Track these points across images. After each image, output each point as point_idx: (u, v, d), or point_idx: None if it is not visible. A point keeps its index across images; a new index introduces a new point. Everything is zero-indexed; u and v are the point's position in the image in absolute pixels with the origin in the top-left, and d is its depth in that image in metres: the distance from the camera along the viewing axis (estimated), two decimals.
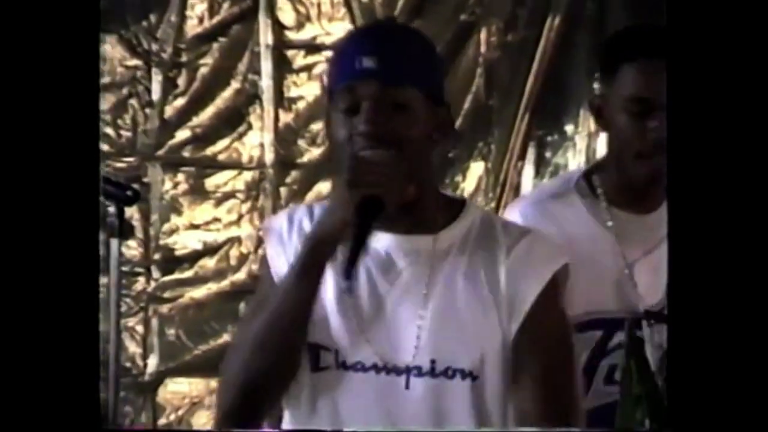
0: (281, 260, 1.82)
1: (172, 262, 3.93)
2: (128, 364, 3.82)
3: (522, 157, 3.96)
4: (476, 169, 3.97)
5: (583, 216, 2.14)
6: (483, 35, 3.89)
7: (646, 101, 2.07)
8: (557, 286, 1.68)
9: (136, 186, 3.26)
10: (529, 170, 3.91)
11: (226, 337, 3.83)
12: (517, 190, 3.87)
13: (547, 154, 4.04)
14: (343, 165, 1.72)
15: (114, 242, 3.15)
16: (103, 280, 3.89)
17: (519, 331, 1.72)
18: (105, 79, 3.87)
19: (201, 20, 3.90)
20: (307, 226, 1.80)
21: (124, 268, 3.36)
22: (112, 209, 3.04)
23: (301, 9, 3.89)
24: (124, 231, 3.06)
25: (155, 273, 3.90)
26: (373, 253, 1.78)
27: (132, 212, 3.48)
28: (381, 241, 1.82)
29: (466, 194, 3.98)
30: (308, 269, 1.74)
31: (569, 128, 4.03)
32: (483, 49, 3.93)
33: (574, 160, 3.99)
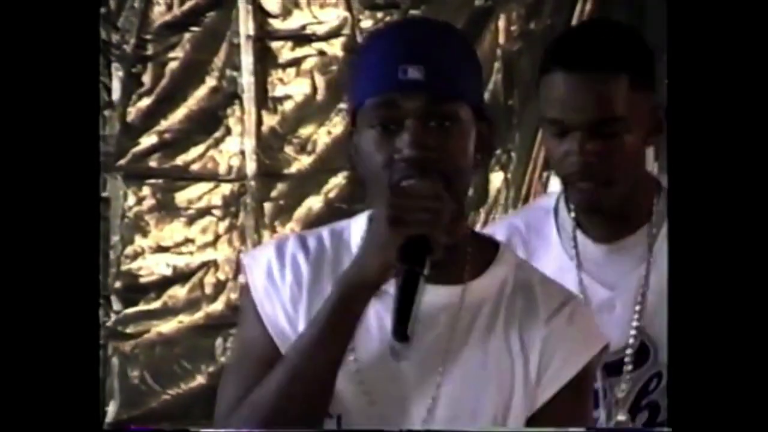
0: (271, 304, 1.65)
1: (136, 290, 3.70)
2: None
3: (547, 166, 3.66)
4: (494, 180, 3.76)
5: (553, 244, 2.07)
6: (501, 23, 3.71)
7: (560, 123, 1.93)
8: (591, 369, 1.62)
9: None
10: (555, 182, 3.72)
11: (199, 379, 3.62)
12: None
13: None
14: (382, 197, 1.56)
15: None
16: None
17: (545, 404, 1.65)
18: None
19: (170, 6, 3.68)
20: (303, 262, 1.66)
21: None
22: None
23: None
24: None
25: (116, 304, 3.67)
26: (387, 302, 1.59)
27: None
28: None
29: (482, 209, 3.77)
30: (340, 322, 1.58)
31: None
32: (501, 39, 3.72)
33: None
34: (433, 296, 1.63)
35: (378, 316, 1.64)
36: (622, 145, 1.95)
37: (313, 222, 3.71)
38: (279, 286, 1.67)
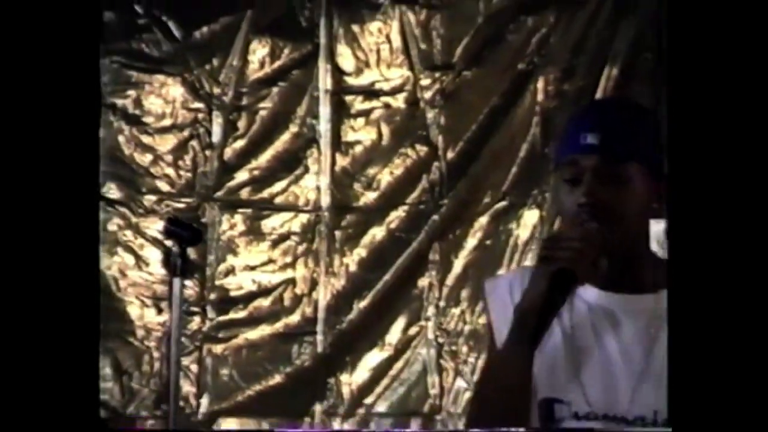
0: (505, 328, 1.94)
1: (227, 302, 3.98)
2: (182, 403, 3.86)
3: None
4: (531, 217, 3.96)
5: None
6: (540, 84, 3.94)
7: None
8: None
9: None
10: None
11: (278, 378, 3.92)
12: None
13: None
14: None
15: (177, 281, 3.22)
16: (164, 317, 3.87)
17: None
18: (167, 121, 4.00)
19: (262, 65, 3.99)
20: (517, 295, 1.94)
21: None
22: (175, 249, 3.18)
23: (361, 55, 3.97)
24: (187, 270, 3.22)
25: (210, 313, 3.97)
26: (598, 310, 1.93)
27: (189, 251, 3.47)
28: (605, 299, 1.95)
29: (519, 243, 4.03)
30: (519, 338, 1.88)
31: None
32: (540, 97, 3.96)
33: None
34: (633, 302, 1.94)
35: (592, 322, 1.94)
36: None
37: (377, 248, 4.02)
38: (509, 312, 1.95)
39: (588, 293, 1.97)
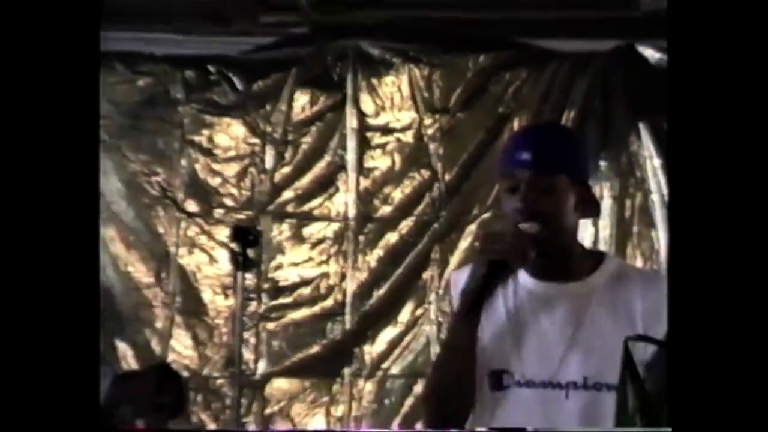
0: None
1: (277, 291, 4.44)
2: (243, 367, 4.31)
3: None
4: None
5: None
6: (515, 123, 4.38)
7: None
8: None
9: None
10: None
11: (316, 349, 4.39)
12: None
13: None
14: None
15: (239, 275, 3.98)
16: (230, 302, 4.19)
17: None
18: (231, 152, 4.45)
19: (303, 109, 4.48)
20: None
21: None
22: (238, 250, 3.87)
23: (378, 101, 4.45)
24: (247, 266, 3.94)
25: (264, 299, 4.42)
26: (535, 295, 2.04)
27: (249, 252, 3.99)
28: (539, 285, 2.04)
29: None
30: (463, 315, 1.99)
31: None
32: None
33: (584, 219, 4.29)
34: (563, 289, 2.00)
35: (532, 307, 2.02)
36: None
37: (391, 249, 4.43)
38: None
39: (527, 281, 2.06)
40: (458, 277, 2.08)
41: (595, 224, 4.32)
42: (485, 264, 1.95)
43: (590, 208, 2.06)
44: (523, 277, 2.04)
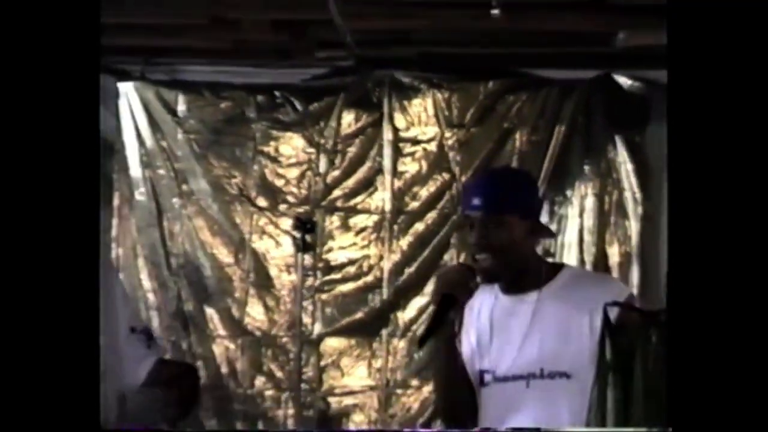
0: None
1: (329, 269, 4.70)
2: (303, 329, 4.65)
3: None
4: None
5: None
6: (518, 136, 4.65)
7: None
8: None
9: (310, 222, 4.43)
10: (544, 218, 4.18)
11: (360, 315, 4.65)
12: None
13: (555, 208, 4.60)
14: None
15: (299, 256, 4.42)
16: (292, 277, 4.56)
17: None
18: (293, 160, 4.68)
19: (349, 125, 4.73)
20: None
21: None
22: (299, 236, 4.37)
23: (408, 119, 4.69)
24: (306, 248, 4.37)
25: (319, 275, 4.70)
26: (505, 308, 2.14)
27: (307, 238, 4.52)
28: (504, 300, 2.13)
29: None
30: (439, 340, 2.15)
31: (569, 192, 4.61)
32: (517, 144, 4.66)
33: (572, 212, 4.57)
34: (523, 298, 2.09)
35: (497, 316, 2.08)
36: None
37: (419, 236, 4.62)
38: None
39: (500, 297, 2.17)
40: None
41: (581, 216, 4.52)
42: (438, 298, 2.08)
43: (543, 234, 2.19)
44: (498, 294, 2.17)
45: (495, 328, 2.16)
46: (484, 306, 2.16)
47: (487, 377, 2.17)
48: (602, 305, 1.64)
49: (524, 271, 2.13)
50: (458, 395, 2.15)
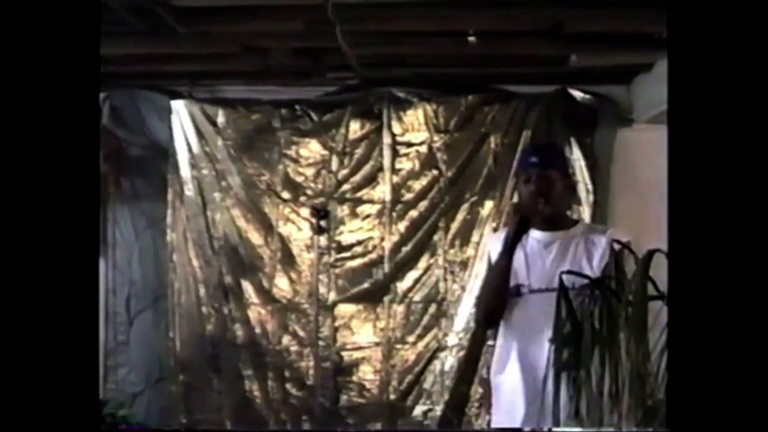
0: (495, 252, 2.67)
1: (340, 248, 5.14)
2: (320, 297, 5.10)
3: (511, 197, 4.92)
4: (488, 205, 5.07)
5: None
6: (492, 138, 5.09)
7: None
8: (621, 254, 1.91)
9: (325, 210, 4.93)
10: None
11: (366, 285, 5.09)
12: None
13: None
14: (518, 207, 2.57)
15: (316, 237, 4.92)
16: (311, 255, 5.05)
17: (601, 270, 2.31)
18: (311, 160, 5.08)
19: (356, 132, 5.17)
20: (502, 237, 2.64)
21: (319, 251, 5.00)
22: (315, 222, 4.89)
23: (404, 126, 5.14)
24: (322, 231, 4.92)
25: (333, 253, 5.15)
26: (540, 241, 2.65)
27: (322, 223, 5.04)
28: (542, 234, 2.63)
29: (483, 218, 5.00)
30: (505, 253, 2.66)
31: None
32: (492, 146, 5.10)
33: None
34: (556, 234, 2.60)
35: (536, 245, 2.53)
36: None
37: (414, 221, 5.03)
38: (497, 246, 2.58)
39: (535, 233, 2.65)
40: (490, 238, 2.83)
41: None
42: (517, 219, 2.57)
43: (570, 190, 2.70)
44: (532, 231, 2.69)
45: (529, 255, 2.72)
46: (520, 240, 2.71)
47: (523, 290, 2.73)
48: (610, 240, 2.20)
49: (559, 215, 2.75)
50: (501, 303, 2.65)
